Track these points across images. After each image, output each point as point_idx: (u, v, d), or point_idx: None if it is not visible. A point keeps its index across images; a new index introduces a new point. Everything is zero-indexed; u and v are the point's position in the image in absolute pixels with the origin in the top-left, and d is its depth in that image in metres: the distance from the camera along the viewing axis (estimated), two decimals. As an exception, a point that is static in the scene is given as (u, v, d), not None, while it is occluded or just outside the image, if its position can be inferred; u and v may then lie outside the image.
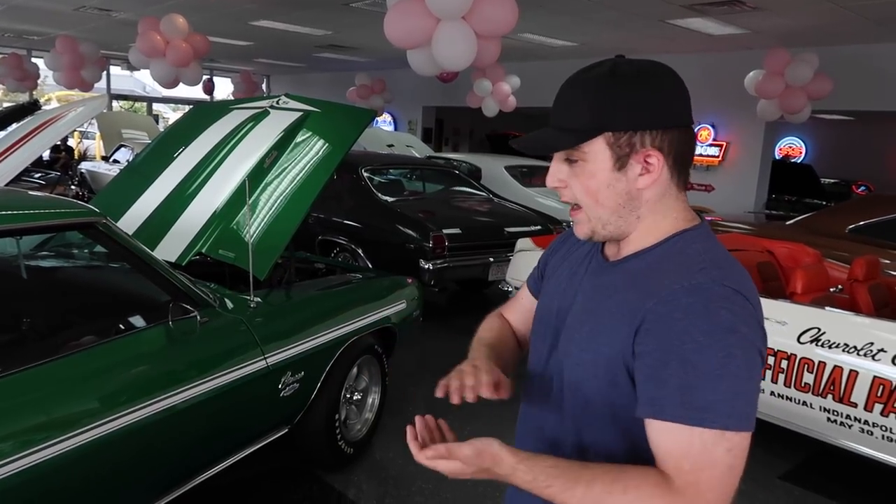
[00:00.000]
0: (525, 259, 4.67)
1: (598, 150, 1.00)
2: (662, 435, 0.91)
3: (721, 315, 0.90)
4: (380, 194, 6.00)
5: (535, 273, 1.30)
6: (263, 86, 17.95)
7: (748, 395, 0.90)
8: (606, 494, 0.90)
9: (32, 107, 6.74)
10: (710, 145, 10.65)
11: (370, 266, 5.40)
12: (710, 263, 0.96)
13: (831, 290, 4.03)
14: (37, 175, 10.58)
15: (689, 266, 0.96)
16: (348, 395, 3.21)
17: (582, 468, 0.94)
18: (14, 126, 6.26)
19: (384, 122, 15.89)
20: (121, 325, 2.27)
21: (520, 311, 1.33)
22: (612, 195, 1.01)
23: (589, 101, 0.99)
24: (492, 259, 5.62)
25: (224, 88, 18.67)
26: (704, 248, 1.00)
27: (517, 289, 4.58)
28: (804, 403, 3.16)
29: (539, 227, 6.06)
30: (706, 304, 0.91)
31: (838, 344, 3.06)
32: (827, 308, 3.29)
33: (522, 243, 4.81)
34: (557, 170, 1.06)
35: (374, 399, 3.41)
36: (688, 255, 0.98)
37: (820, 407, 3.10)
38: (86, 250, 3.13)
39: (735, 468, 0.90)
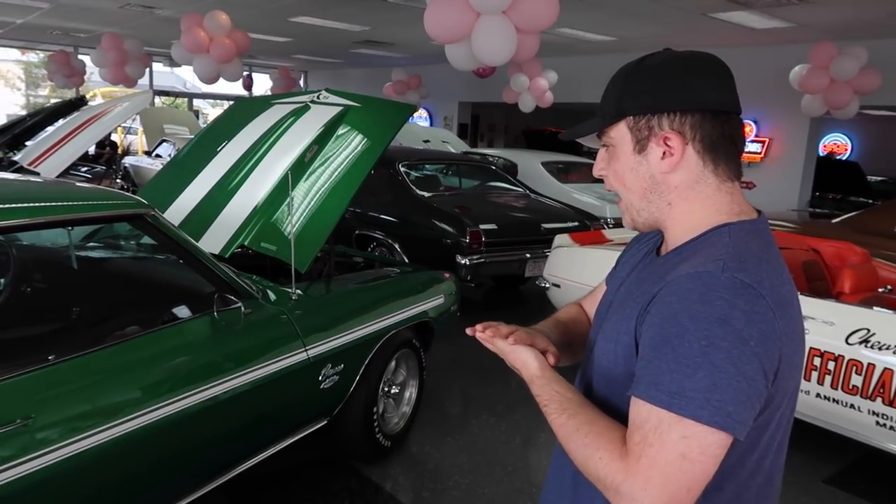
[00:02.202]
0: (562, 255, 4.63)
1: (621, 135, 1.04)
2: (632, 407, 0.92)
3: (716, 304, 0.87)
4: (416, 189, 6.02)
5: (612, 269, 1.31)
6: (301, 82, 18.14)
7: (730, 393, 0.85)
8: (575, 431, 0.97)
9: (79, 102, 6.93)
10: (752, 141, 10.41)
11: (406, 261, 5.42)
12: (732, 255, 0.93)
13: (880, 290, 3.92)
14: (83, 169, 10.87)
15: (708, 256, 0.94)
16: (386, 389, 3.23)
17: (579, 405, 1.01)
18: (61, 122, 6.45)
19: (420, 117, 15.92)
20: (167, 315, 2.32)
21: (595, 302, 1.33)
22: (636, 179, 1.04)
23: (616, 89, 1.04)
24: (528, 255, 5.59)
25: (262, 84, 18.93)
26: (736, 242, 0.96)
27: (555, 285, 4.58)
28: (852, 406, 3.07)
29: (576, 224, 6.00)
30: (704, 292, 0.88)
31: (888, 346, 2.97)
32: (876, 308, 3.20)
33: (560, 239, 4.78)
34: (600, 158, 1.10)
35: (411, 393, 3.43)
36: (715, 246, 0.96)
37: (868, 410, 3.02)
38: (132, 241, 3.20)
39: (690, 459, 0.85)
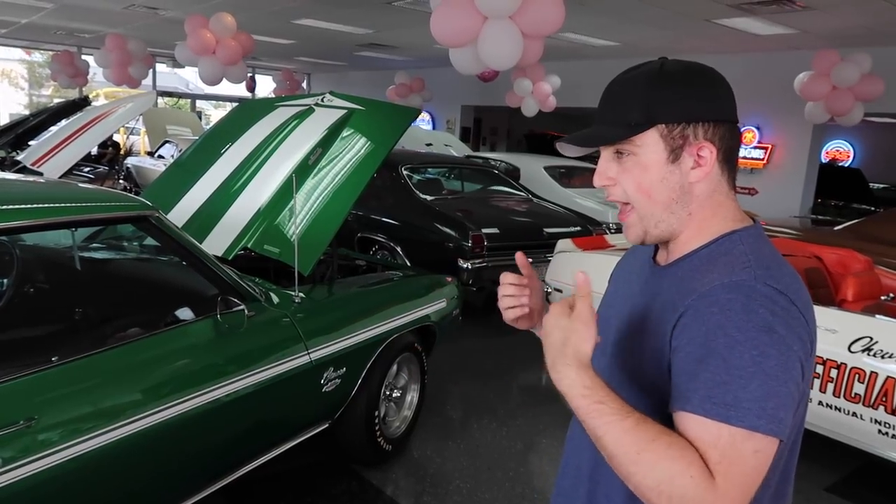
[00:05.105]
0: (565, 260, 4.63)
1: (651, 143, 1.00)
2: (689, 424, 0.88)
3: (759, 313, 0.88)
4: (419, 193, 6.02)
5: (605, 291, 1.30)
6: (304, 84, 18.16)
7: (781, 399, 0.86)
8: (651, 441, 0.86)
9: (83, 103, 6.95)
10: (755, 148, 10.41)
11: (409, 264, 5.42)
12: (756, 263, 0.94)
13: (883, 298, 3.92)
14: (86, 169, 10.88)
15: (733, 265, 0.95)
16: (388, 392, 3.23)
17: (636, 410, 0.90)
18: (64, 122, 6.46)
19: (422, 121, 15.92)
20: (171, 317, 2.32)
21: None
22: (664, 189, 1.01)
23: (640, 96, 1.00)
24: (530, 260, 5.54)
25: (265, 86, 18.94)
26: (752, 249, 0.98)
27: (557, 290, 4.57)
28: (854, 414, 3.07)
29: (578, 228, 6.00)
30: (745, 302, 0.89)
31: (891, 354, 2.97)
32: (878, 317, 3.20)
33: (563, 244, 4.77)
34: (606, 167, 1.05)
35: (412, 397, 3.42)
36: (734, 254, 0.97)
37: (871, 418, 3.01)
38: (136, 243, 3.20)
39: (760, 472, 0.87)
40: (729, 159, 1.02)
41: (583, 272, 0.97)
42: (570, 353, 0.92)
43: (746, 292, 0.91)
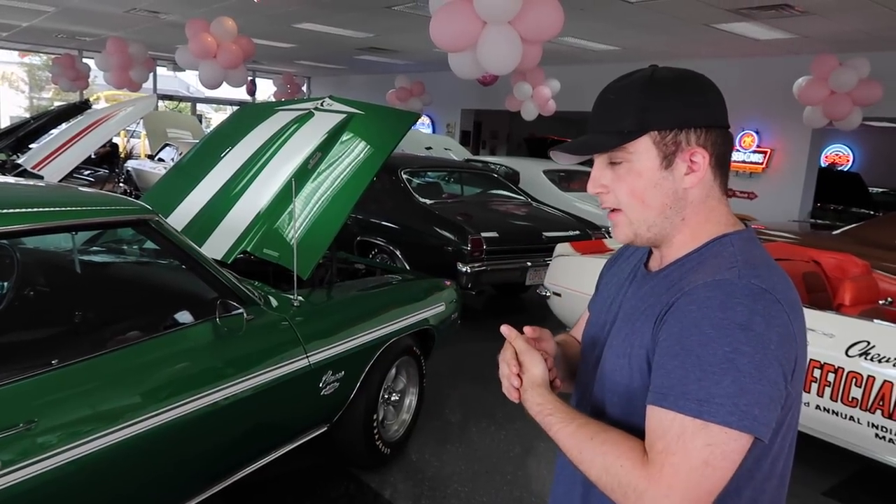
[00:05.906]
0: (563, 264, 4.64)
1: (644, 150, 1.01)
2: (652, 416, 0.92)
3: (736, 310, 0.89)
4: (418, 196, 6.03)
5: (594, 294, 1.31)
6: (304, 87, 18.18)
7: (756, 396, 0.87)
8: (589, 440, 0.96)
9: (83, 106, 6.97)
10: (754, 152, 10.41)
11: (408, 268, 5.43)
12: (743, 263, 0.96)
13: (880, 302, 3.92)
14: (86, 172, 10.89)
15: (720, 265, 0.97)
16: (386, 396, 3.24)
17: (583, 415, 1.02)
18: (65, 125, 6.48)
19: (422, 124, 15.94)
20: (170, 321, 2.33)
21: (580, 331, 1.33)
22: (658, 195, 1.02)
23: (632, 103, 1.01)
24: (529, 263, 5.60)
25: (266, 89, 18.96)
26: (741, 250, 0.99)
27: (555, 294, 4.59)
28: (851, 418, 3.08)
29: (578, 232, 6.02)
30: (724, 299, 0.90)
31: (888, 358, 2.97)
32: (876, 321, 3.20)
33: (561, 248, 4.79)
34: (600, 175, 1.06)
35: (411, 400, 3.43)
36: (723, 256, 0.99)
37: (868, 423, 3.02)
38: (135, 246, 3.21)
39: (713, 466, 0.87)
40: (721, 164, 1.03)
41: (506, 325, 1.13)
42: (527, 380, 1.07)
43: (726, 289, 0.92)
